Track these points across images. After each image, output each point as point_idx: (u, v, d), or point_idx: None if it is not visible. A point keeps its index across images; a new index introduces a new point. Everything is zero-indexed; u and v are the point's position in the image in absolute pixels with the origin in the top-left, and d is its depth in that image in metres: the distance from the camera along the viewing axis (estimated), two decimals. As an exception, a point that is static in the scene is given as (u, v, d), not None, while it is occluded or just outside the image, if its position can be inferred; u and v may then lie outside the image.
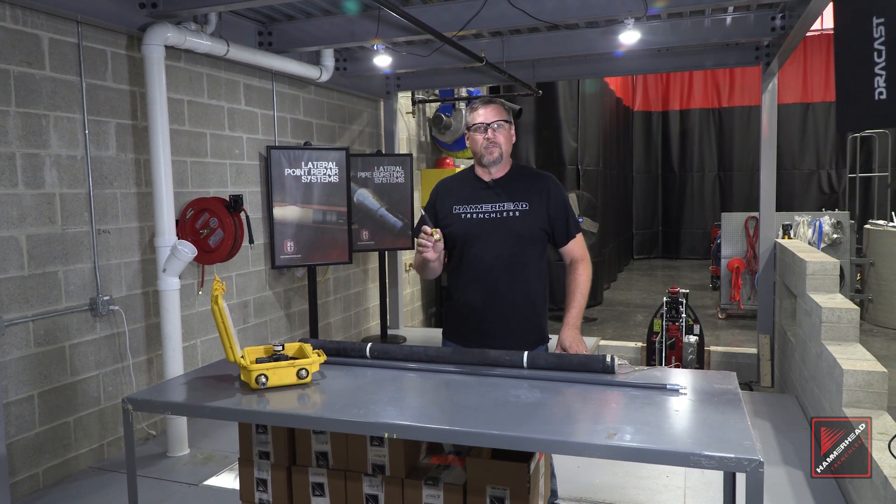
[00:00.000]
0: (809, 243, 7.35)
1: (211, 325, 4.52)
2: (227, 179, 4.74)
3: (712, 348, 6.16)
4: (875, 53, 1.90)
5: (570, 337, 2.46)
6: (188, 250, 3.68)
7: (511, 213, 2.50)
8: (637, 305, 9.34)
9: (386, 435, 1.68)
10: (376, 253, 6.46)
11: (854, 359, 3.45)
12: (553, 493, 2.53)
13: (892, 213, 8.66)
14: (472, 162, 2.66)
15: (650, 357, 5.72)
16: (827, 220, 7.73)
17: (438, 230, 2.34)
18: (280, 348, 2.11)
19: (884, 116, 1.93)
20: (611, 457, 1.51)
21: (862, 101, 1.94)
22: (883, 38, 1.88)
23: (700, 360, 5.64)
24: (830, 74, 12.02)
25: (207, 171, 4.56)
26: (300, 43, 4.89)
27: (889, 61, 1.88)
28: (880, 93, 1.89)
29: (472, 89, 7.59)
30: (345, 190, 5.32)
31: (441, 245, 2.39)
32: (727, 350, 6.20)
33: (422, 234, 2.33)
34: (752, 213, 7.77)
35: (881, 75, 1.89)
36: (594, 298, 9.09)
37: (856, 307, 3.79)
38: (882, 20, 1.88)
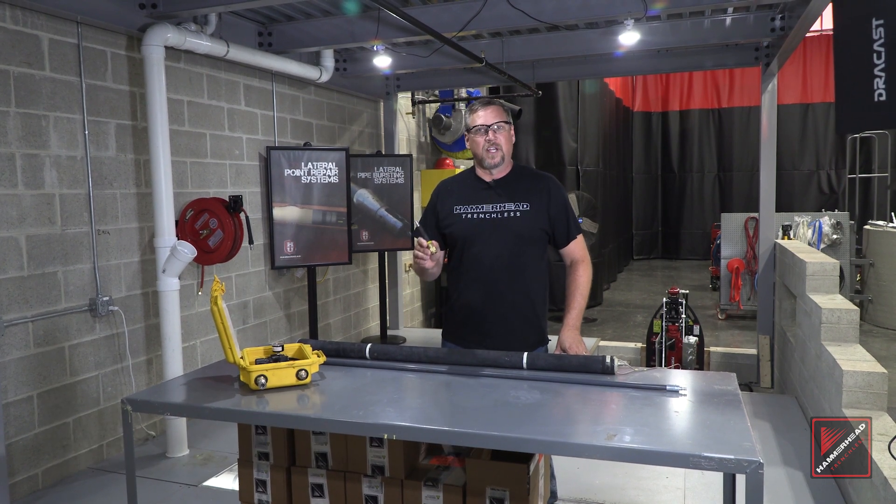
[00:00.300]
0: (809, 244, 7.35)
1: (210, 325, 4.52)
2: (226, 180, 4.74)
3: (712, 349, 6.15)
4: (874, 55, 1.90)
5: (570, 338, 2.46)
6: (188, 251, 3.68)
7: (512, 214, 2.50)
8: (637, 306, 9.33)
9: (385, 436, 1.68)
10: (376, 253, 6.46)
11: (854, 360, 3.45)
12: (553, 495, 2.53)
13: (892, 213, 8.66)
14: (472, 162, 2.66)
15: (650, 358, 5.72)
16: (827, 220, 7.73)
17: (434, 242, 2.35)
18: (279, 349, 2.11)
19: (883, 117, 1.93)
20: (610, 458, 1.51)
21: (861, 103, 1.94)
22: (882, 40, 1.88)
23: (700, 361, 5.63)
24: (830, 75, 12.02)
25: (207, 171, 4.56)
26: (300, 44, 4.89)
27: (888, 63, 1.88)
28: (880, 94, 1.89)
29: (471, 90, 7.59)
30: (344, 190, 5.32)
31: (439, 255, 2.41)
32: (727, 351, 6.20)
33: (417, 247, 2.34)
34: (752, 214, 7.77)
35: (881, 77, 1.89)
36: (594, 299, 9.09)
37: (855, 308, 3.78)
38: (881, 22, 1.88)
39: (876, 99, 1.89)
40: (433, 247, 2.33)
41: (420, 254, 2.35)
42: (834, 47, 2.05)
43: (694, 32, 5.07)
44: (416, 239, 2.37)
